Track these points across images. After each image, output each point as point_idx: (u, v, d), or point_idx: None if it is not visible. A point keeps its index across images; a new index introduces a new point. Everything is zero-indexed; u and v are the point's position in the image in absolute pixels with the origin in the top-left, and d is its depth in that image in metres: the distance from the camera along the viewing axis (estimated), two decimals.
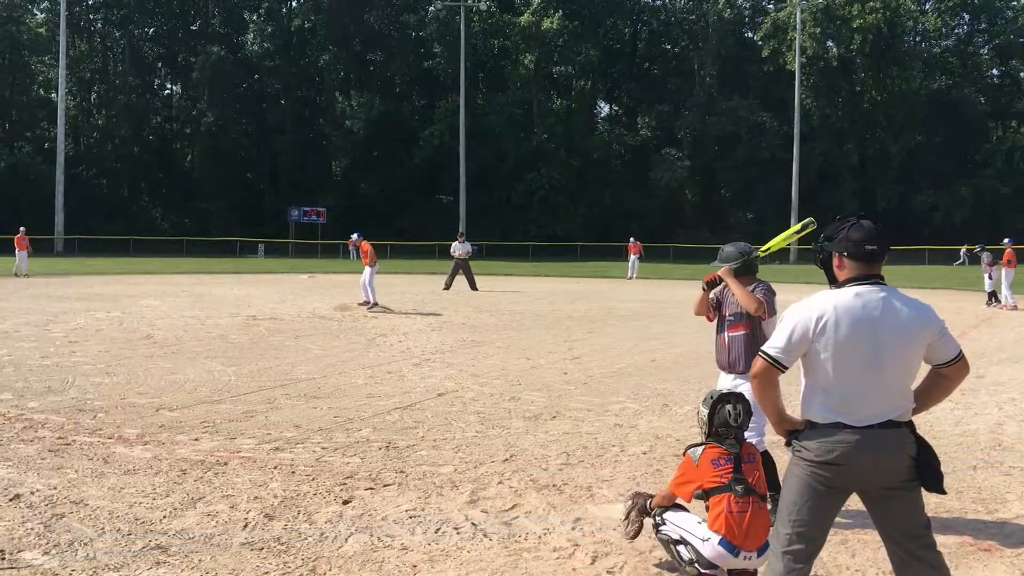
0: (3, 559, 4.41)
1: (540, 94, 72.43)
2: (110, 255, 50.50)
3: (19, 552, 4.52)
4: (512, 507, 5.45)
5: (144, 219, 69.23)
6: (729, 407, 4.18)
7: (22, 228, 33.07)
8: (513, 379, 10.33)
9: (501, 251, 58.96)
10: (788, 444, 3.47)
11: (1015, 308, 21.95)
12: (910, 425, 3.37)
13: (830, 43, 65.78)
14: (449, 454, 6.72)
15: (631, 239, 37.80)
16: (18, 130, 70.20)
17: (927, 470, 3.33)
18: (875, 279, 3.37)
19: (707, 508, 4.10)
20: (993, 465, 6.64)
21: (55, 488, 5.61)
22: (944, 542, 4.67)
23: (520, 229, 65.38)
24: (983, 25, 72.20)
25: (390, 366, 11.21)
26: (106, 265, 38.79)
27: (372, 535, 4.90)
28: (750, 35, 73.85)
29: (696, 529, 4.09)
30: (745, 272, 5.33)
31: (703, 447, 4.22)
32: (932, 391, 3.48)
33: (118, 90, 72.40)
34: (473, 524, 5.12)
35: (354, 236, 21.66)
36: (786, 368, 3.37)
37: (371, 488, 5.77)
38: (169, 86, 79.94)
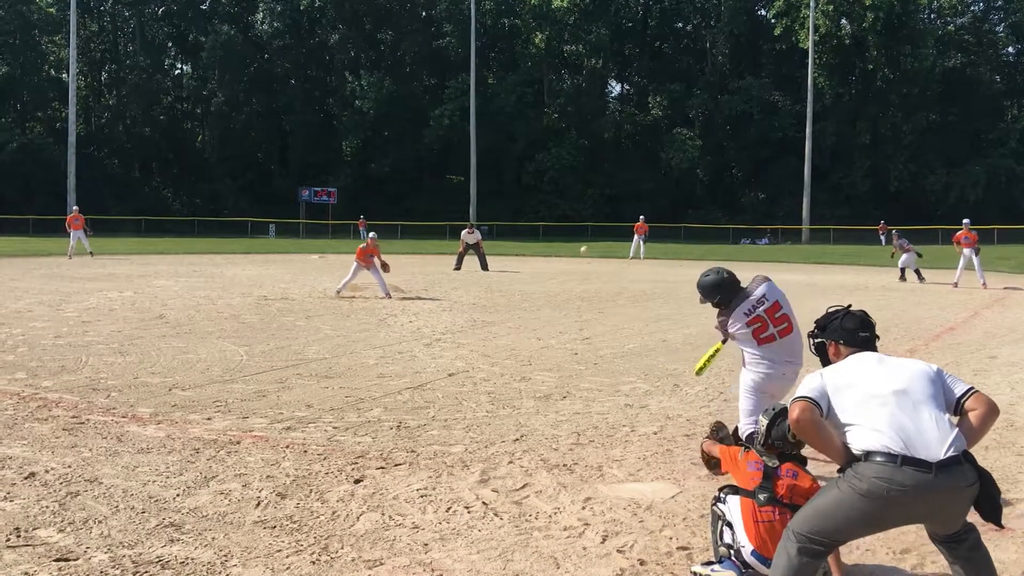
0: (19, 536, 4.45)
1: (551, 73, 72.08)
2: (122, 235, 50.68)
3: (34, 530, 4.56)
4: (523, 486, 5.47)
5: (155, 199, 69.39)
6: (788, 423, 4.12)
7: (75, 207, 32.03)
8: (524, 359, 10.34)
9: (511, 231, 58.88)
10: (841, 471, 3.40)
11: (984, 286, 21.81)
12: (969, 458, 3.26)
13: (843, 21, 65.15)
14: (460, 434, 6.74)
15: (640, 218, 37.41)
16: (29, 110, 70.37)
17: (987, 503, 3.29)
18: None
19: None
20: (1005, 445, 6.62)
21: (69, 467, 5.65)
22: None
23: (530, 209, 65.28)
24: (999, 2, 71.33)
25: (401, 346, 11.24)
26: (118, 245, 38.91)
27: (383, 514, 4.92)
28: (762, 13, 73.22)
29: (742, 536, 4.06)
30: (722, 303, 5.67)
31: (749, 448, 4.26)
32: (967, 430, 3.39)
33: (128, 70, 72.41)
34: (484, 503, 5.13)
35: (372, 234, 20.15)
36: (822, 407, 3.41)
37: (382, 467, 5.80)
38: (179, 66, 79.93)
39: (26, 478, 5.40)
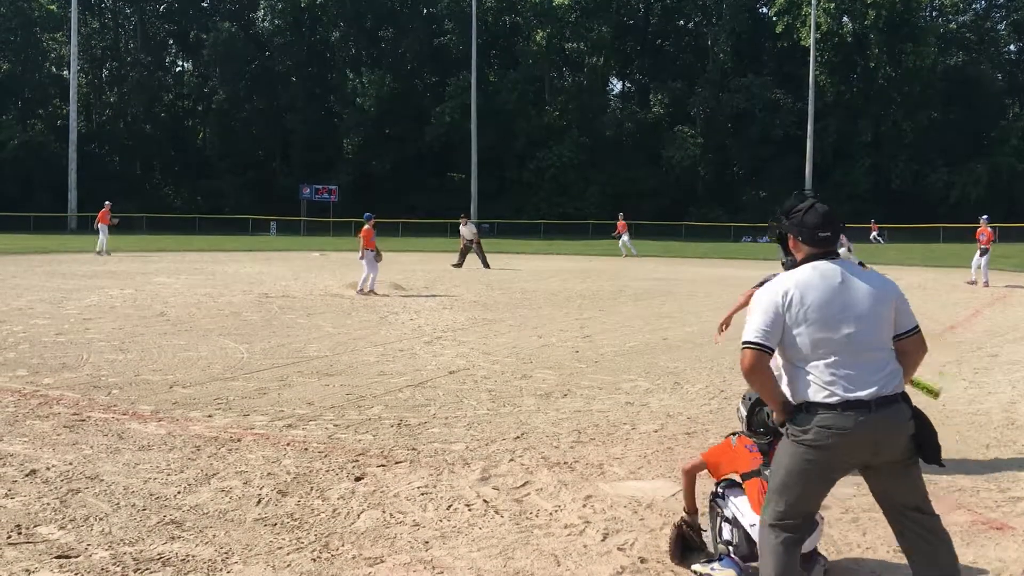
0: (20, 533, 4.46)
1: (552, 71, 72.04)
2: (123, 233, 50.59)
3: (35, 527, 4.56)
4: (523, 484, 5.47)
5: (157, 196, 69.44)
6: (767, 409, 4.14)
7: (107, 203, 31.92)
8: (524, 357, 10.34)
9: (513, 229, 58.86)
10: (782, 425, 3.44)
11: (987, 285, 21.79)
12: (906, 398, 3.35)
13: (845, 18, 65.11)
14: (461, 431, 6.74)
15: (620, 215, 37.62)
16: (31, 107, 70.39)
17: (926, 445, 3.34)
18: (830, 256, 3.44)
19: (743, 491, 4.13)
20: (1006, 444, 6.61)
21: (70, 464, 5.65)
22: (956, 521, 4.67)
23: (532, 207, 65.29)
24: (1001, 0, 71.28)
25: (402, 344, 11.24)
26: (119, 242, 38.87)
27: (384, 511, 4.93)
28: (764, 11, 73.13)
29: (750, 515, 4.08)
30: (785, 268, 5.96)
31: (739, 435, 4.29)
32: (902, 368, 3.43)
33: (130, 67, 72.42)
34: (484, 501, 5.13)
35: (367, 215, 20.33)
36: (772, 349, 3.36)
37: (383, 465, 5.80)
38: (180, 63, 79.96)
39: (27, 475, 5.40)
